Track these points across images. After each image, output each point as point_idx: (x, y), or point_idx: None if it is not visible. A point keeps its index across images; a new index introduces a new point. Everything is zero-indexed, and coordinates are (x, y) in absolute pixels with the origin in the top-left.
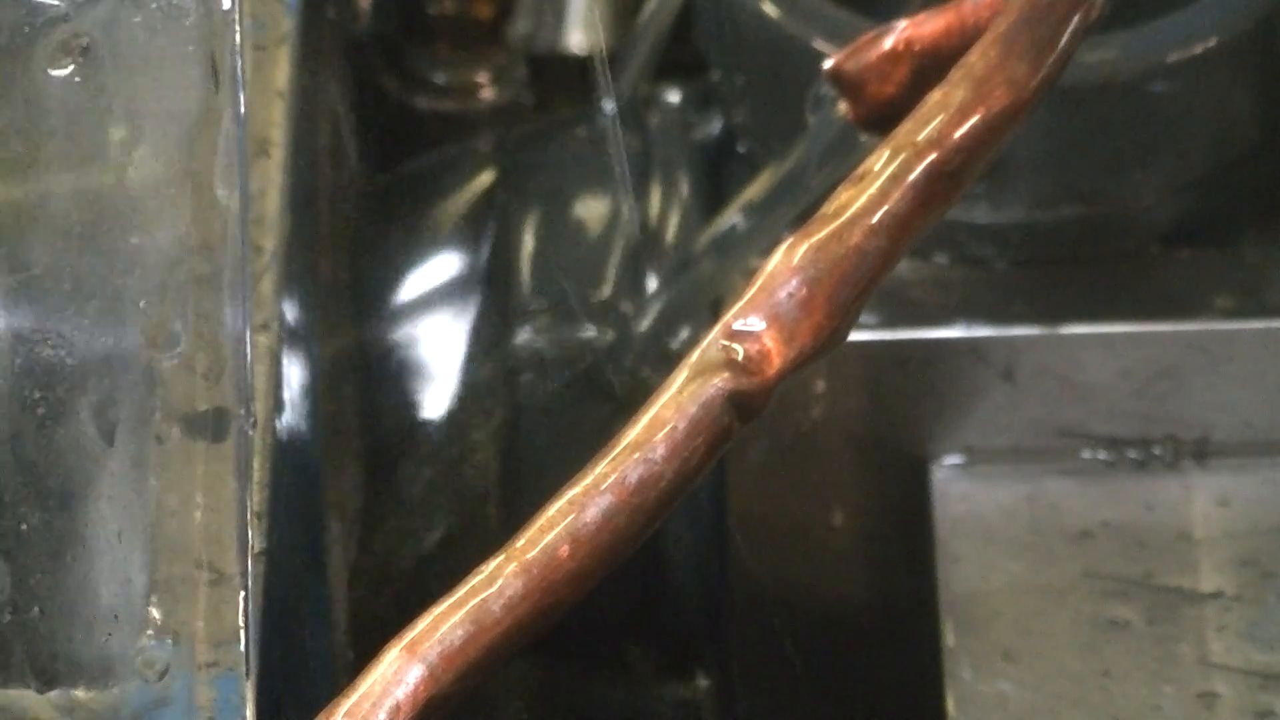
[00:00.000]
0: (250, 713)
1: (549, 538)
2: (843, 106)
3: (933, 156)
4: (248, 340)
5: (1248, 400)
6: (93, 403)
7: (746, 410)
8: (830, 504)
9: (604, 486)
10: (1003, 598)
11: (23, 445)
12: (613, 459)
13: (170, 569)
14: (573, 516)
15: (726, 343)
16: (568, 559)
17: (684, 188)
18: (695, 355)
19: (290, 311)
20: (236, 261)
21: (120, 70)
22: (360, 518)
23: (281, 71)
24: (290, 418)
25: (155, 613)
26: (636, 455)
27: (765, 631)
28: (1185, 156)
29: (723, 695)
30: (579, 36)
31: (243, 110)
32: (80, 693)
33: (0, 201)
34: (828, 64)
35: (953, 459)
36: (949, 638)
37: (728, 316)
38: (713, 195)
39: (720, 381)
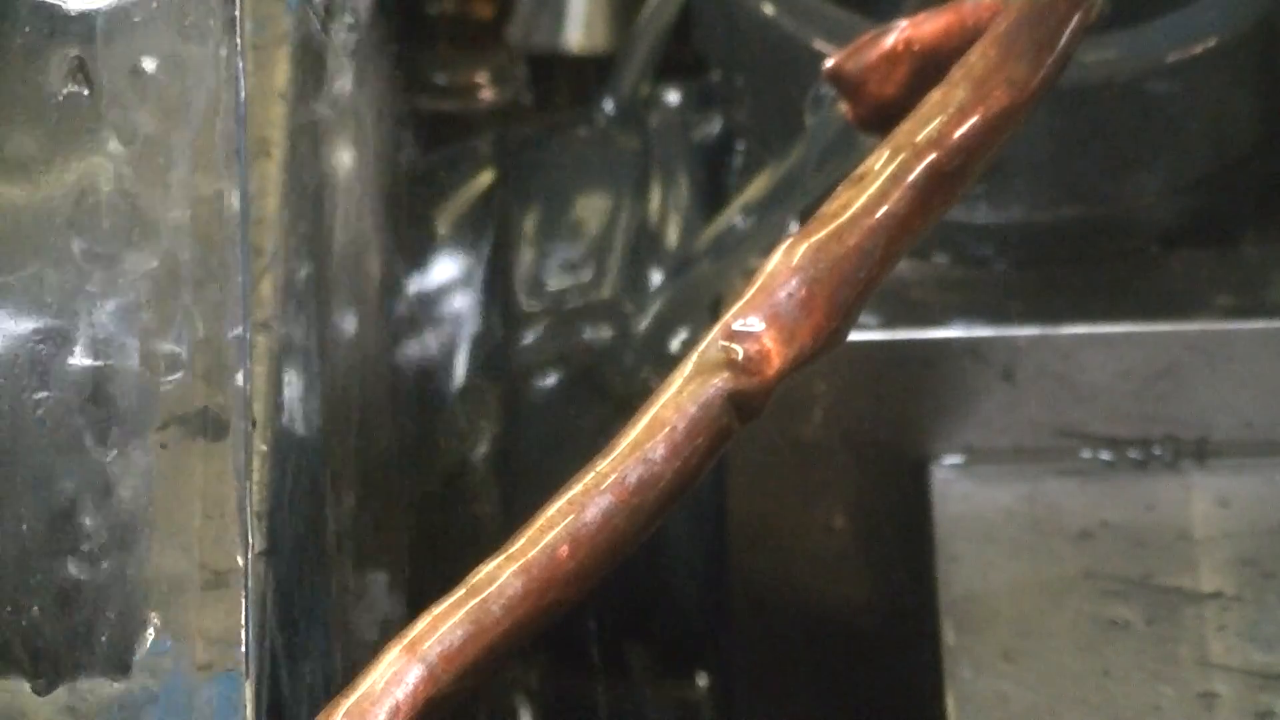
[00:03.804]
0: (250, 713)
1: (549, 538)
2: (843, 106)
3: (933, 156)
4: (247, 340)
5: (1248, 400)
6: (92, 403)
7: (746, 410)
8: (830, 504)
9: (604, 486)
10: (1003, 598)
11: (22, 445)
12: (613, 459)
13: (170, 569)
14: (573, 516)
15: (726, 343)
16: (568, 559)
17: (684, 188)
18: (695, 355)
19: (290, 312)
20: (236, 261)
21: (119, 72)
22: (360, 517)
23: (281, 71)
24: (290, 418)
25: (154, 613)
26: (636, 455)
27: (765, 631)
28: (1185, 156)
29: (723, 695)
30: (579, 36)
31: (243, 110)
32: (79, 694)
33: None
34: (828, 64)
35: (953, 459)
36: (949, 638)
37: (727, 316)
38: (713, 195)
39: (720, 381)
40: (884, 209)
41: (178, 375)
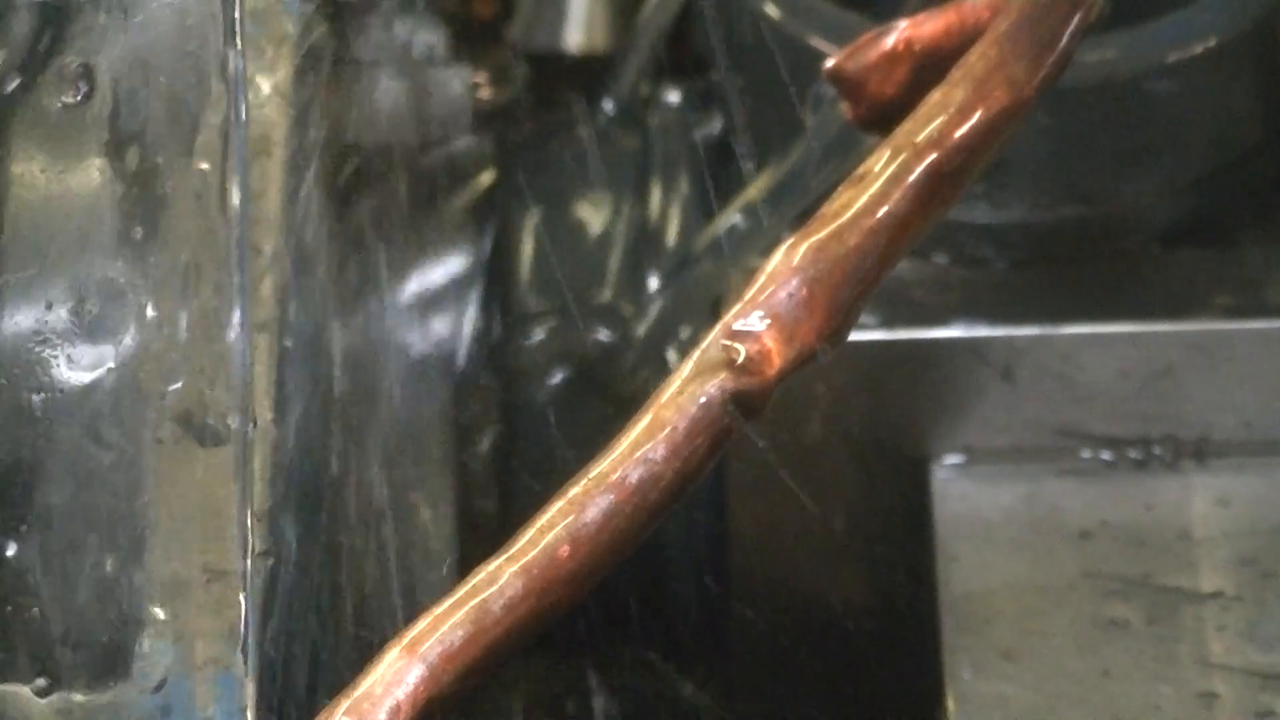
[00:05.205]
0: (250, 713)
1: (549, 538)
2: (843, 106)
3: (933, 156)
4: (247, 340)
5: (1248, 400)
6: (92, 403)
7: (747, 410)
8: (830, 504)
9: (604, 486)
10: (1003, 598)
11: (22, 447)
12: (613, 459)
13: (170, 569)
14: (573, 516)
15: (727, 343)
16: (568, 559)
17: (684, 188)
18: (695, 355)
19: (291, 311)
20: (236, 261)
21: (121, 73)
22: (360, 517)
23: (282, 71)
24: (290, 418)
25: (155, 613)
26: (636, 455)
27: (765, 631)
28: (1185, 156)
29: (723, 695)
30: (579, 36)
31: (243, 110)
32: (80, 694)
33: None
34: (828, 64)
35: (953, 459)
36: (949, 638)
37: (728, 316)
38: (713, 195)
39: (720, 381)
40: (884, 209)
41: (178, 376)
